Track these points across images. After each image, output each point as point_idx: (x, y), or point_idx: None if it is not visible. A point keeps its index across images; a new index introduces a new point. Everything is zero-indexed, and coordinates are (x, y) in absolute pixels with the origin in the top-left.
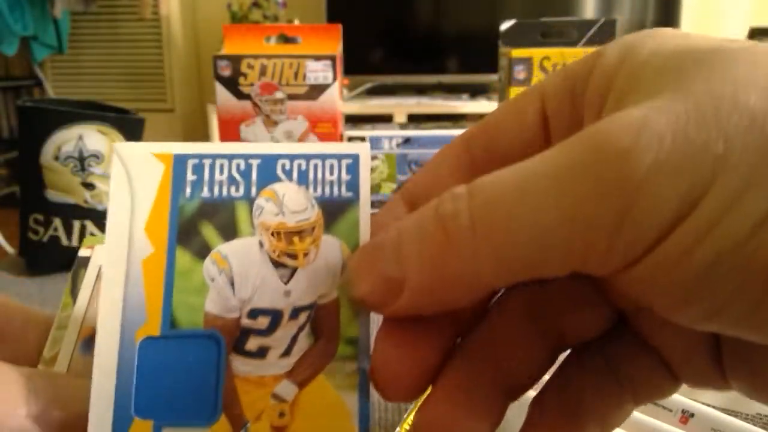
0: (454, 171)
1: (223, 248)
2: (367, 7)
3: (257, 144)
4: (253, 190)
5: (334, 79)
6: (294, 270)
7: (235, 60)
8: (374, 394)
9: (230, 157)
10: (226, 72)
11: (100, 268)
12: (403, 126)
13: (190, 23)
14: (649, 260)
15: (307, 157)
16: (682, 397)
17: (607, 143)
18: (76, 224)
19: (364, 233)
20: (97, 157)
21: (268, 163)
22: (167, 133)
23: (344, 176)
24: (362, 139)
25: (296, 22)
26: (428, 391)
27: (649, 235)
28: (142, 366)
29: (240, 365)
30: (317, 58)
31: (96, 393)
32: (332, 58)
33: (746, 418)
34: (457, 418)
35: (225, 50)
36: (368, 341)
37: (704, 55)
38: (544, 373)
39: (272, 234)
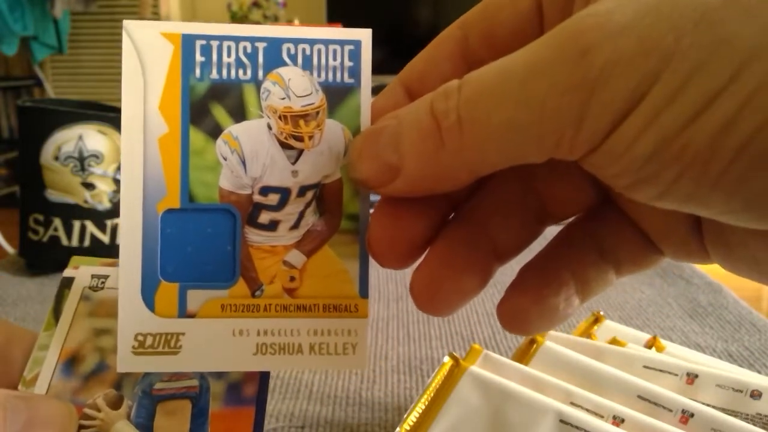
0: (451, 56)
1: (234, 129)
2: (367, 7)
3: (262, 26)
4: (260, 73)
5: None
6: (300, 151)
7: None
8: (371, 390)
9: (237, 39)
10: None
11: (83, 290)
12: None
13: None
14: (606, 147)
15: (311, 42)
16: (682, 397)
17: (571, 40)
18: (76, 224)
19: (365, 118)
20: (97, 157)
21: (274, 46)
22: None
23: (347, 62)
24: None
25: (296, 22)
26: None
27: (604, 125)
28: (165, 235)
29: (253, 236)
30: None
31: (124, 260)
32: None
33: (746, 418)
34: (447, 274)
35: None
36: (367, 217)
37: None
38: (530, 242)
39: (279, 117)
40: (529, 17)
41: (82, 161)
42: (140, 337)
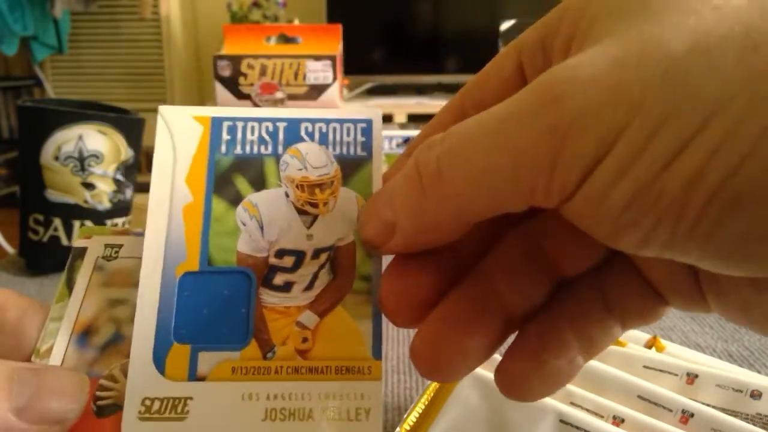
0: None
1: (253, 197)
2: (367, 7)
3: (283, 109)
4: (280, 148)
5: (334, 79)
6: (315, 217)
7: (235, 60)
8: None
9: (260, 120)
10: (226, 72)
11: (96, 260)
12: (403, 126)
13: (190, 23)
14: (581, 194)
15: (327, 121)
16: (682, 397)
17: (544, 90)
18: (76, 224)
19: (377, 187)
20: (97, 157)
21: (293, 125)
22: None
23: (359, 138)
24: None
25: (296, 22)
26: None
27: (576, 171)
28: (181, 297)
29: (268, 297)
30: (317, 58)
31: (139, 322)
32: (332, 58)
33: (746, 418)
34: (449, 336)
35: (225, 50)
36: (379, 278)
37: (628, 3)
38: (542, 303)
39: (297, 186)
40: (514, 81)
41: (82, 161)
42: (147, 402)
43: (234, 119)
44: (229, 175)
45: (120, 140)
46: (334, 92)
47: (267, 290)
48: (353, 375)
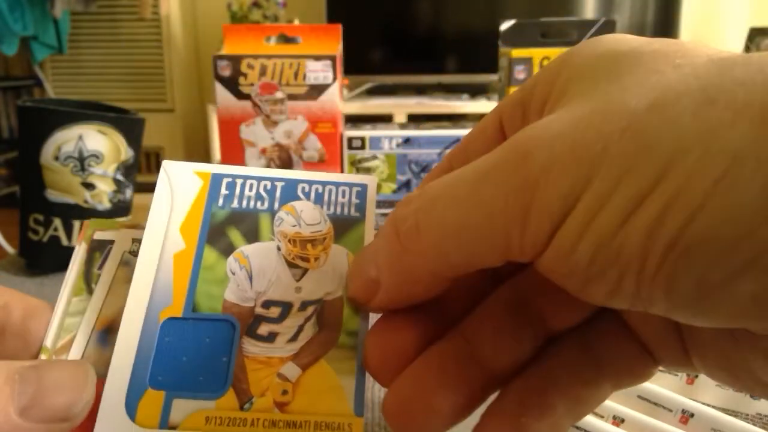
0: None
1: (246, 249)
2: (367, 7)
3: (283, 170)
4: (276, 205)
5: (334, 79)
6: (305, 270)
7: (235, 60)
8: (374, 390)
9: (259, 179)
10: (226, 72)
11: (122, 255)
12: (403, 126)
13: (190, 23)
14: (552, 248)
15: (324, 183)
16: (682, 397)
17: (515, 147)
18: (76, 224)
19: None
20: (97, 157)
21: (291, 185)
22: (167, 133)
23: (354, 200)
24: (362, 140)
25: (296, 22)
26: None
27: (546, 226)
28: (162, 343)
29: (250, 347)
30: (317, 58)
31: (115, 364)
32: (332, 58)
33: (746, 418)
34: (421, 394)
35: (225, 50)
36: (366, 334)
37: (617, 59)
38: (528, 361)
39: (289, 240)
40: (496, 141)
41: (82, 161)
42: None
43: (234, 176)
44: (224, 227)
45: (120, 140)
46: (334, 92)
47: (250, 339)
48: (333, 431)
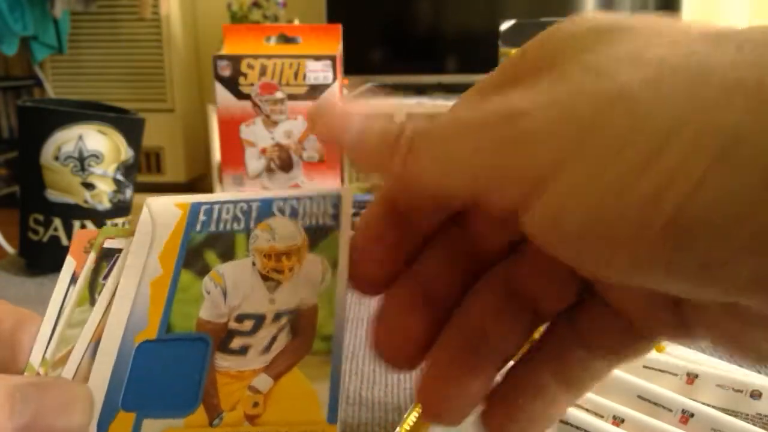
0: None
1: (221, 267)
2: (367, 7)
3: (260, 191)
4: (252, 224)
5: (334, 79)
6: (279, 282)
7: (235, 60)
8: (373, 390)
9: (236, 202)
10: (226, 72)
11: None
12: None
13: (190, 23)
14: (537, 214)
15: (298, 198)
16: (682, 397)
17: (506, 105)
18: (76, 224)
19: (344, 253)
20: (97, 157)
21: (266, 204)
22: (167, 133)
23: (329, 210)
24: None
25: (296, 22)
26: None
27: (528, 187)
28: (136, 366)
29: (222, 361)
30: (317, 58)
31: (90, 387)
32: (332, 58)
33: (746, 418)
34: (457, 378)
35: (225, 50)
36: (342, 337)
37: (611, 31)
38: (523, 344)
39: (264, 255)
40: None
41: (82, 161)
42: None
43: (212, 203)
44: (200, 250)
45: (120, 140)
46: (334, 92)
47: (222, 354)
48: None
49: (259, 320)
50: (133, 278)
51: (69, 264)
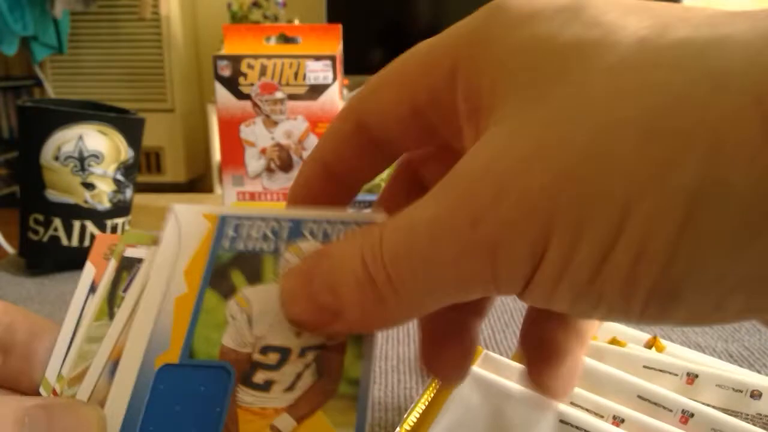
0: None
1: (247, 291)
2: (367, 7)
3: (292, 210)
4: (282, 246)
5: (334, 79)
6: None
7: (235, 60)
8: (373, 391)
9: (266, 219)
10: (226, 72)
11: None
12: None
13: (190, 23)
14: (530, 292)
15: (331, 222)
16: (682, 397)
17: (462, 206)
18: (76, 224)
19: None
20: (97, 157)
21: (298, 225)
22: (167, 133)
23: None
24: None
25: (296, 22)
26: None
27: (518, 280)
28: (156, 391)
29: (244, 396)
30: (317, 58)
31: (108, 411)
32: (332, 58)
33: (746, 418)
34: (436, 350)
35: (225, 50)
36: (369, 382)
37: (546, 58)
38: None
39: None
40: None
41: (82, 161)
42: None
43: (241, 218)
44: (227, 270)
45: (120, 140)
46: (334, 92)
47: (245, 388)
48: None
49: (285, 354)
50: (158, 294)
51: (88, 271)
